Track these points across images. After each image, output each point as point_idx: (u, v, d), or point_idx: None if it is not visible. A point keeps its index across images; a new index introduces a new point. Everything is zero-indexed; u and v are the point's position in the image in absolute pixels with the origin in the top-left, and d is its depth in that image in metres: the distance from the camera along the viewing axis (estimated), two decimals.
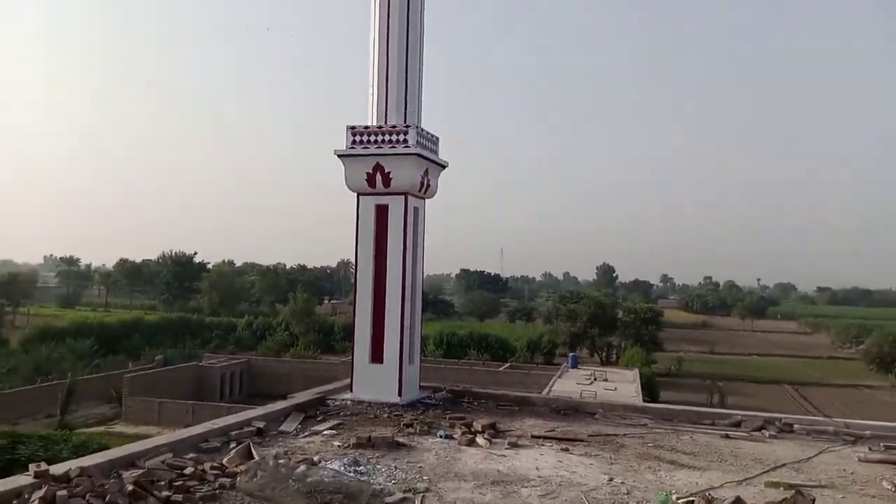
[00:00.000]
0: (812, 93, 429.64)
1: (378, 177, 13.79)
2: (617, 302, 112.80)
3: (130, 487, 7.12)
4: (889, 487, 8.86)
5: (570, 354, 64.07)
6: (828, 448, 10.99)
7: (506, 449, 10.47)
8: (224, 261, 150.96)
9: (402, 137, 13.72)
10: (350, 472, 8.63)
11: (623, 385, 46.81)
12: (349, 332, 14.38)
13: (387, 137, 13.80)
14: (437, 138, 14.92)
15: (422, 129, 14.13)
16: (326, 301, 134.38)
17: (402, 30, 14.14)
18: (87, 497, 6.77)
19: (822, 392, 73.00)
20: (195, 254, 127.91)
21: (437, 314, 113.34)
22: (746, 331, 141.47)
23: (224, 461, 8.79)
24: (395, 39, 14.10)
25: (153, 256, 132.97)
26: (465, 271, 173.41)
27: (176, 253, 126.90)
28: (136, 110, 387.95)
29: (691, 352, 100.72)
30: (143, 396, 48.76)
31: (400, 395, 13.58)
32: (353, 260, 14.48)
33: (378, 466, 9.17)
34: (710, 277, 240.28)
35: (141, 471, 7.83)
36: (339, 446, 10.24)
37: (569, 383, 46.08)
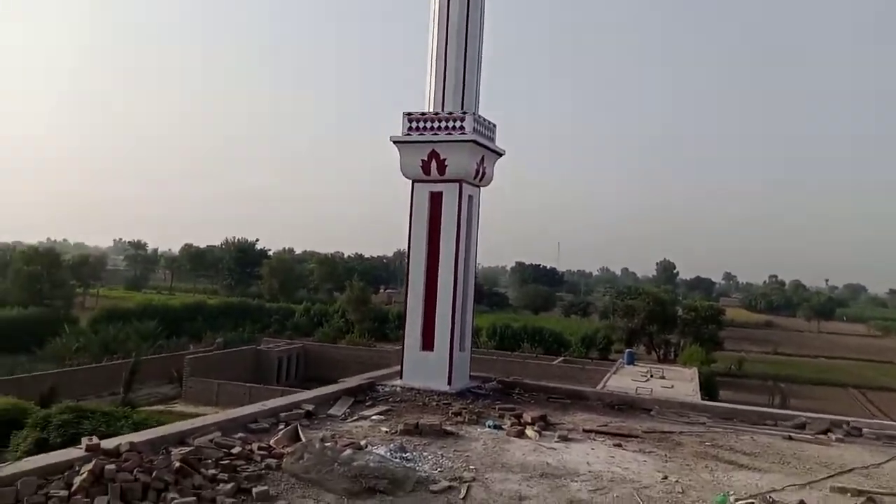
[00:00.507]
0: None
1: (433, 164, 13.66)
2: (677, 299, 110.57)
3: (177, 464, 7.17)
4: None
5: (627, 351, 62.81)
6: None
7: (556, 442, 10.24)
8: (284, 248, 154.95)
9: (458, 124, 13.57)
10: (396, 458, 8.54)
11: (680, 383, 45.66)
12: (402, 320, 14.29)
13: (443, 124, 13.67)
14: (495, 126, 14.71)
15: (479, 116, 13.94)
16: (382, 290, 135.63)
17: (461, 16, 13.98)
18: (135, 472, 6.83)
19: (892, 397, 69.89)
20: (257, 241, 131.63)
21: (491, 306, 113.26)
22: (812, 332, 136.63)
23: (271, 442, 8.82)
24: (454, 26, 13.96)
25: (217, 242, 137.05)
26: (520, 264, 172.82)
27: (239, 240, 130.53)
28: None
29: (753, 352, 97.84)
30: (202, 377, 50.02)
31: (449, 383, 13.48)
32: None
33: (424, 454, 9.05)
34: (776, 276, 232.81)
35: (189, 448, 7.88)
36: (386, 432, 10.18)
37: (624, 380, 45.13)
